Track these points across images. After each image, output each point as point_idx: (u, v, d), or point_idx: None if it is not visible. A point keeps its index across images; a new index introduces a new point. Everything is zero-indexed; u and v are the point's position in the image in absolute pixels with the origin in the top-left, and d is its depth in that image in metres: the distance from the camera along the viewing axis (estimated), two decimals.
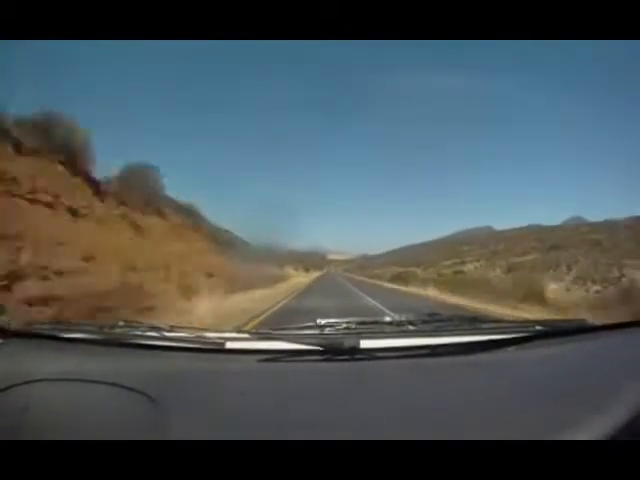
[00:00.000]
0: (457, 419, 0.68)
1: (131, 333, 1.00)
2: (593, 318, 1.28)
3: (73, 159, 11.07)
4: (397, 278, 30.17)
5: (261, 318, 6.95)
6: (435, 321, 1.11)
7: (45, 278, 5.77)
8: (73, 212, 9.34)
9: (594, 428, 0.61)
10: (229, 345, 0.92)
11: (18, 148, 9.20)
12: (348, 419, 0.69)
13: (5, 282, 4.93)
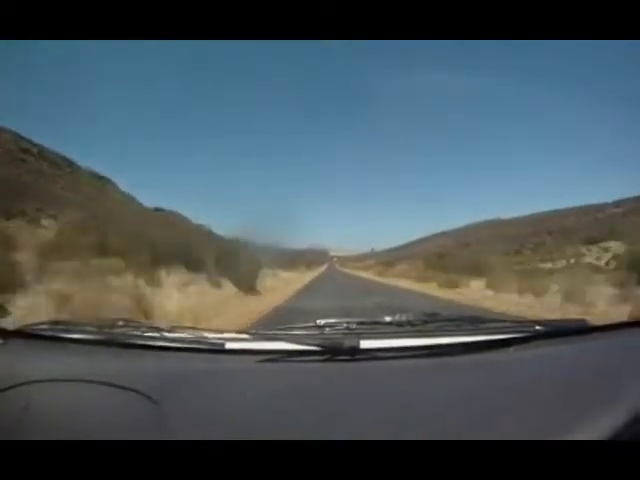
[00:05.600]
0: (457, 419, 0.68)
1: (131, 333, 1.00)
2: None
3: None
4: None
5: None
6: (435, 321, 1.11)
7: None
8: None
9: (594, 428, 0.61)
10: (229, 345, 0.92)
11: None
12: (348, 419, 0.69)
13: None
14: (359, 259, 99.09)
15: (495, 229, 40.96)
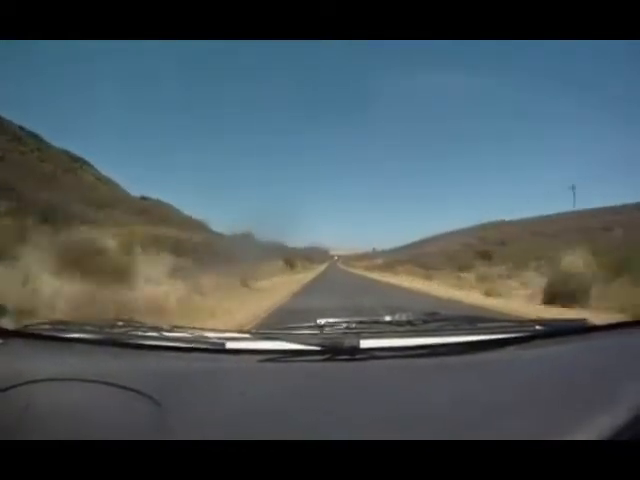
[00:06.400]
0: (457, 419, 0.68)
1: (131, 333, 1.00)
2: None
3: None
4: None
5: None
6: (435, 321, 1.11)
7: None
8: None
9: (594, 428, 0.61)
10: (229, 345, 0.92)
11: None
12: (348, 419, 0.69)
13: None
14: (362, 258, 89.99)
15: (513, 228, 36.76)
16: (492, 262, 21.14)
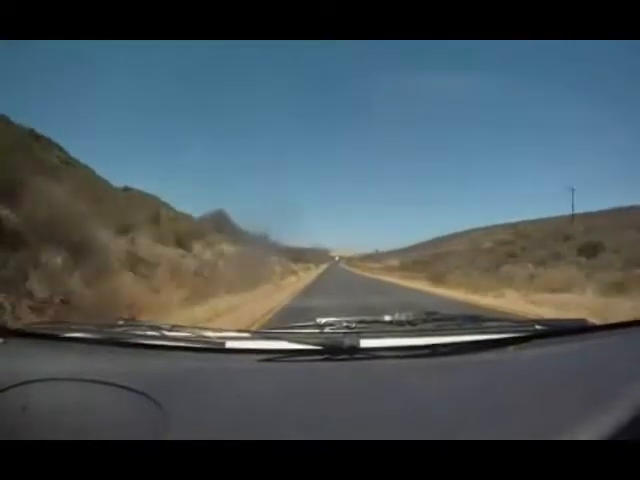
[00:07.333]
0: (457, 419, 0.68)
1: (131, 333, 1.00)
2: None
3: None
4: None
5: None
6: (435, 320, 1.11)
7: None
8: None
9: (594, 428, 0.61)
10: (229, 345, 0.92)
11: None
12: (348, 419, 0.69)
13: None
14: (367, 259, 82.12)
15: (553, 225, 30.95)
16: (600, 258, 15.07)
